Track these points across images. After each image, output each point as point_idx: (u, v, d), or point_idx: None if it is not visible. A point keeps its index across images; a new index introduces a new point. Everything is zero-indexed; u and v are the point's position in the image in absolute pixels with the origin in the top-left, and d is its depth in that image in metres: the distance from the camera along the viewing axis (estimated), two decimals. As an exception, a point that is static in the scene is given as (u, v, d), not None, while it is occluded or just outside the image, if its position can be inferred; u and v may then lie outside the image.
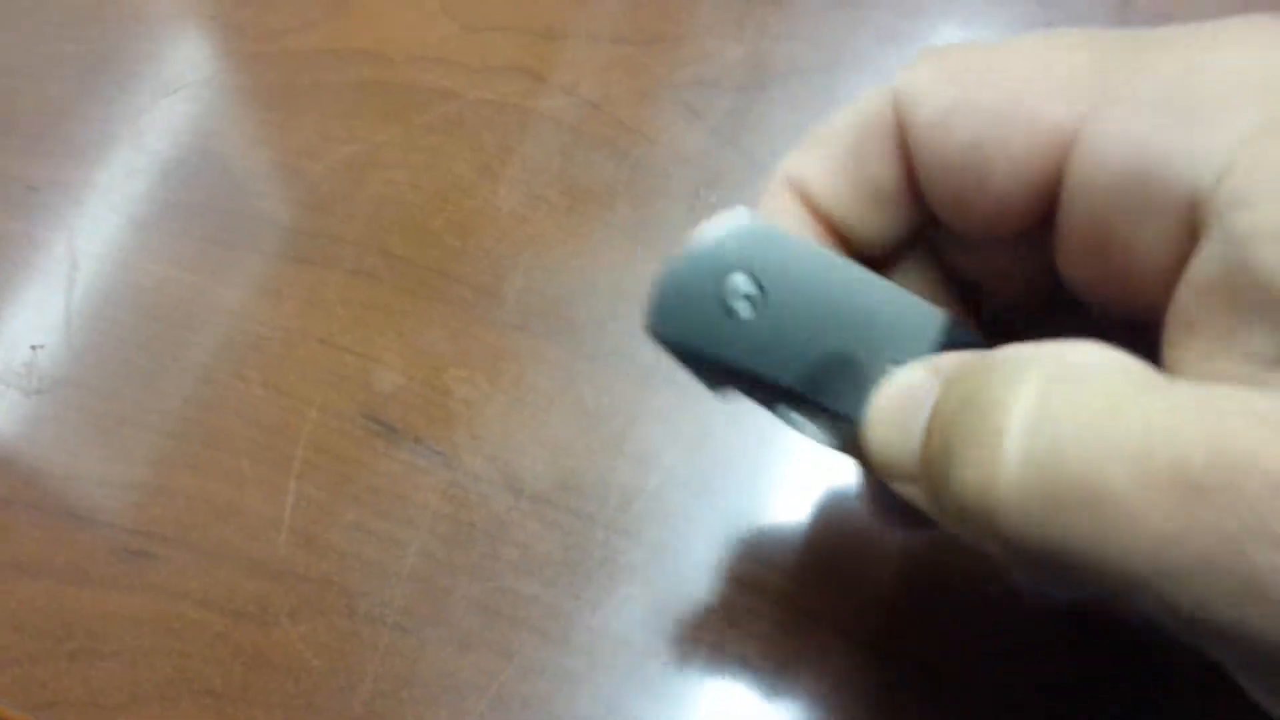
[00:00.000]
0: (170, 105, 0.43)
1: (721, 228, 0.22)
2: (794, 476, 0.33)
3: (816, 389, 0.22)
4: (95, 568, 0.34)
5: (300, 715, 0.31)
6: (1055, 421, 0.16)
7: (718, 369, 0.23)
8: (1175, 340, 0.18)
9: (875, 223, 0.23)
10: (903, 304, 0.22)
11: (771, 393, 0.23)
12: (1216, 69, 0.18)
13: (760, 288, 0.22)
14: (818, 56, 0.41)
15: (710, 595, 0.32)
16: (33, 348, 0.39)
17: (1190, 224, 0.18)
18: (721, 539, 0.33)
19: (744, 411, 0.34)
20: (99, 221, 0.41)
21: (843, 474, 0.33)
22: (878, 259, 0.24)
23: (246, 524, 0.34)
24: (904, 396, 0.20)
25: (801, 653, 0.31)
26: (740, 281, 0.22)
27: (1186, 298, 0.18)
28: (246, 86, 0.44)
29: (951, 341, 0.22)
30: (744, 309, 0.22)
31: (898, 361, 0.22)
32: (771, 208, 0.24)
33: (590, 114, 0.41)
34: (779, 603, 0.31)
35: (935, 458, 0.18)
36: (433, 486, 0.34)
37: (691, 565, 0.32)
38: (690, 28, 0.42)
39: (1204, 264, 0.17)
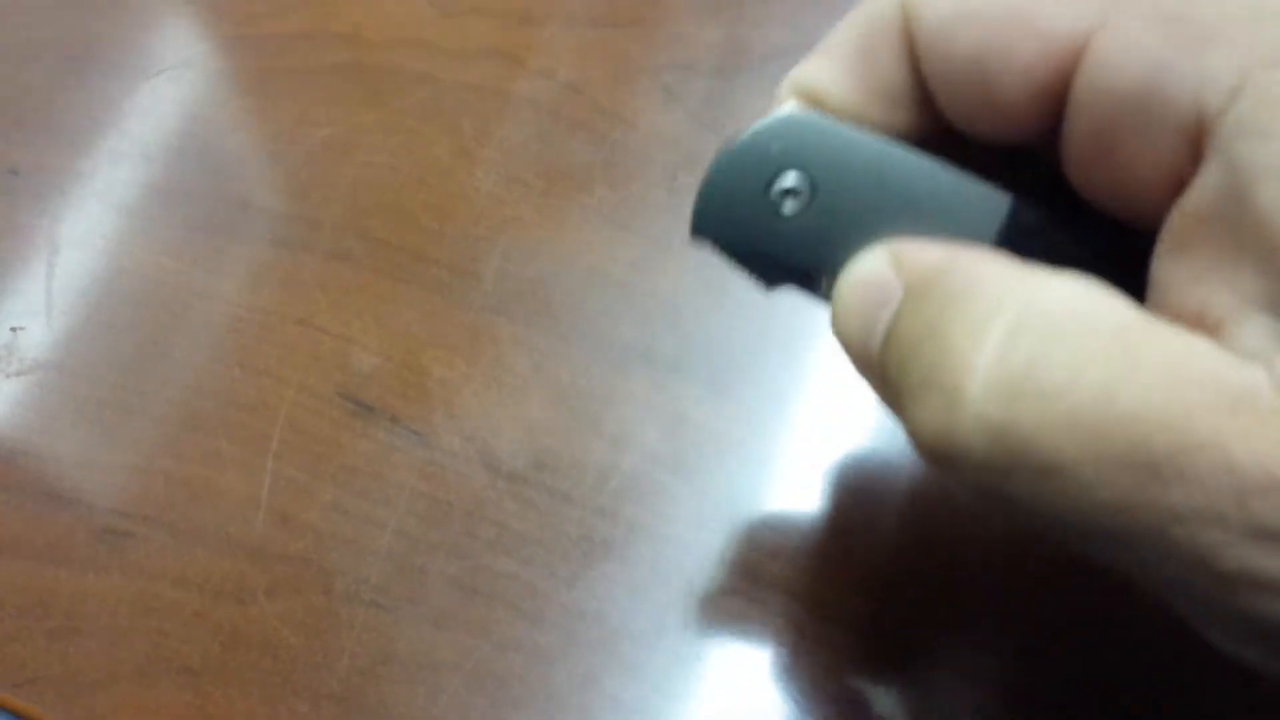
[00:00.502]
0: (150, 90, 0.43)
1: (766, 122, 0.21)
2: (772, 456, 0.33)
3: None
4: (74, 548, 0.35)
5: (277, 693, 0.32)
6: (1014, 386, 0.16)
7: (768, 265, 0.22)
8: (1165, 258, 0.18)
9: (887, 124, 0.22)
10: (963, 188, 0.21)
11: (826, 286, 0.22)
12: None
13: (810, 181, 0.21)
14: (794, 40, 0.41)
15: (686, 573, 0.32)
16: (13, 330, 0.39)
17: (1194, 144, 0.17)
18: (697, 517, 0.33)
19: (720, 392, 0.34)
20: (79, 205, 0.41)
21: (819, 452, 0.33)
22: None
23: (224, 504, 0.35)
24: (866, 287, 0.20)
25: (777, 630, 0.31)
26: (789, 176, 0.21)
27: (1182, 220, 0.17)
28: (226, 71, 0.44)
29: (1018, 226, 0.21)
30: (792, 204, 0.21)
31: None
32: None
33: (568, 97, 0.41)
34: (754, 580, 0.32)
35: (893, 378, 0.18)
36: (410, 466, 0.34)
37: (667, 543, 0.33)
38: (668, 11, 0.42)
39: (1203, 190, 0.17)
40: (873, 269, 0.20)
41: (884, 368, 0.19)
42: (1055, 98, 0.19)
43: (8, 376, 0.38)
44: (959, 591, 0.31)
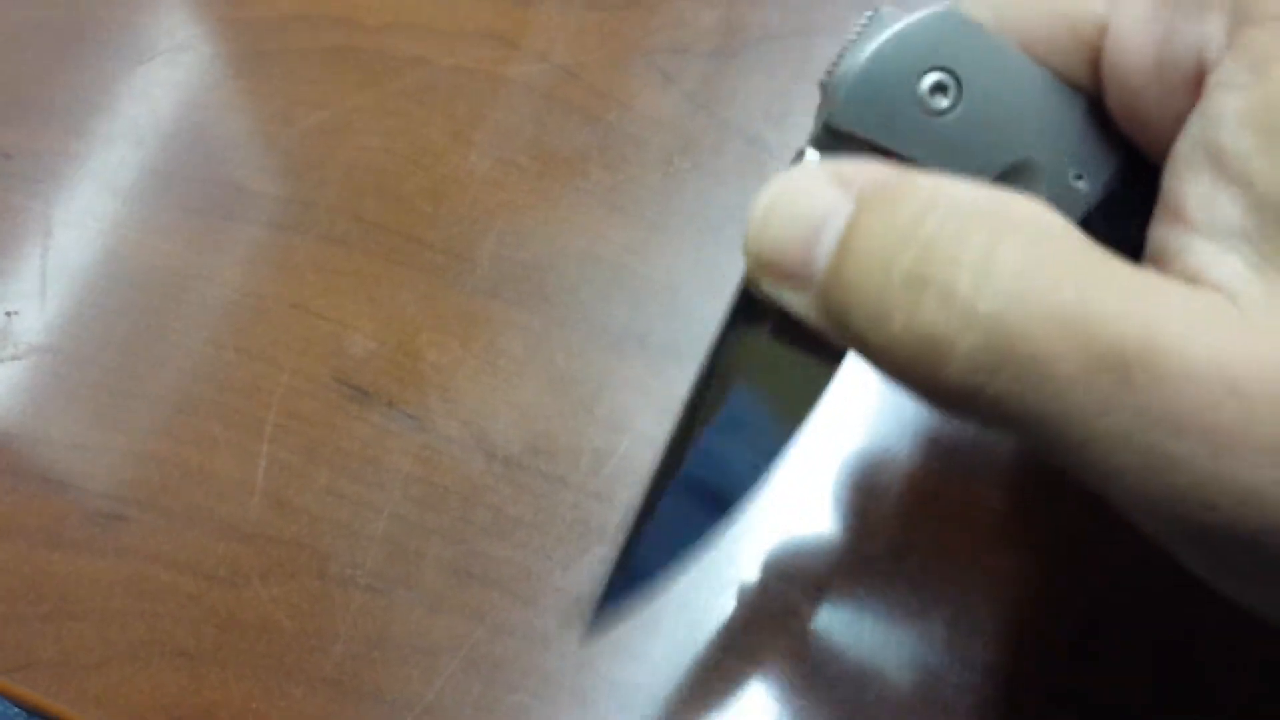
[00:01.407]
0: (145, 72, 0.43)
1: (920, 16, 0.21)
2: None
3: None
4: (68, 531, 0.35)
5: (272, 676, 0.32)
6: (1006, 282, 0.17)
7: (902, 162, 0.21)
8: (1170, 188, 0.19)
9: None
10: (1095, 121, 0.21)
11: None
12: None
13: (958, 83, 0.21)
14: (790, 22, 0.41)
15: (680, 556, 0.32)
16: (7, 314, 0.39)
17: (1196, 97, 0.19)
18: (691, 501, 0.33)
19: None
20: (74, 188, 0.41)
21: (814, 436, 0.33)
22: None
23: (219, 487, 0.35)
24: (806, 197, 0.20)
25: (773, 613, 0.31)
26: (938, 76, 0.21)
27: (1180, 153, 0.19)
28: (220, 53, 0.44)
29: (1134, 170, 0.21)
30: (940, 104, 0.21)
31: (1080, 178, 0.21)
32: None
33: (563, 80, 0.41)
34: (749, 563, 0.32)
35: (854, 290, 0.19)
36: (405, 450, 0.34)
37: (661, 527, 0.33)
38: (664, -7, 0.42)
39: (1190, 128, 0.18)
40: (810, 183, 0.20)
41: (835, 275, 0.19)
42: (1090, 67, 0.21)
43: (1, 360, 0.38)
44: (959, 574, 0.31)
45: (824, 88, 0.22)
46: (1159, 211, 0.19)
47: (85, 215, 0.40)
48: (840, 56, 0.22)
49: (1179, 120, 0.19)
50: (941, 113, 0.21)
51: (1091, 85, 0.21)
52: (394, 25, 0.43)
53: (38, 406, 0.37)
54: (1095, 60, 0.21)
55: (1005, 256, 0.17)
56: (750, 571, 0.32)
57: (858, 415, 0.33)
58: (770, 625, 0.31)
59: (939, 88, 0.21)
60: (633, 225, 0.37)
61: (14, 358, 0.38)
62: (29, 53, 0.45)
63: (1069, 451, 0.17)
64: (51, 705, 0.32)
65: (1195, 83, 0.19)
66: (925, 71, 0.21)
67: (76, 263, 0.40)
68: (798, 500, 0.32)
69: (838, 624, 0.31)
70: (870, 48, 0.21)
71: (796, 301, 0.20)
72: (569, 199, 0.38)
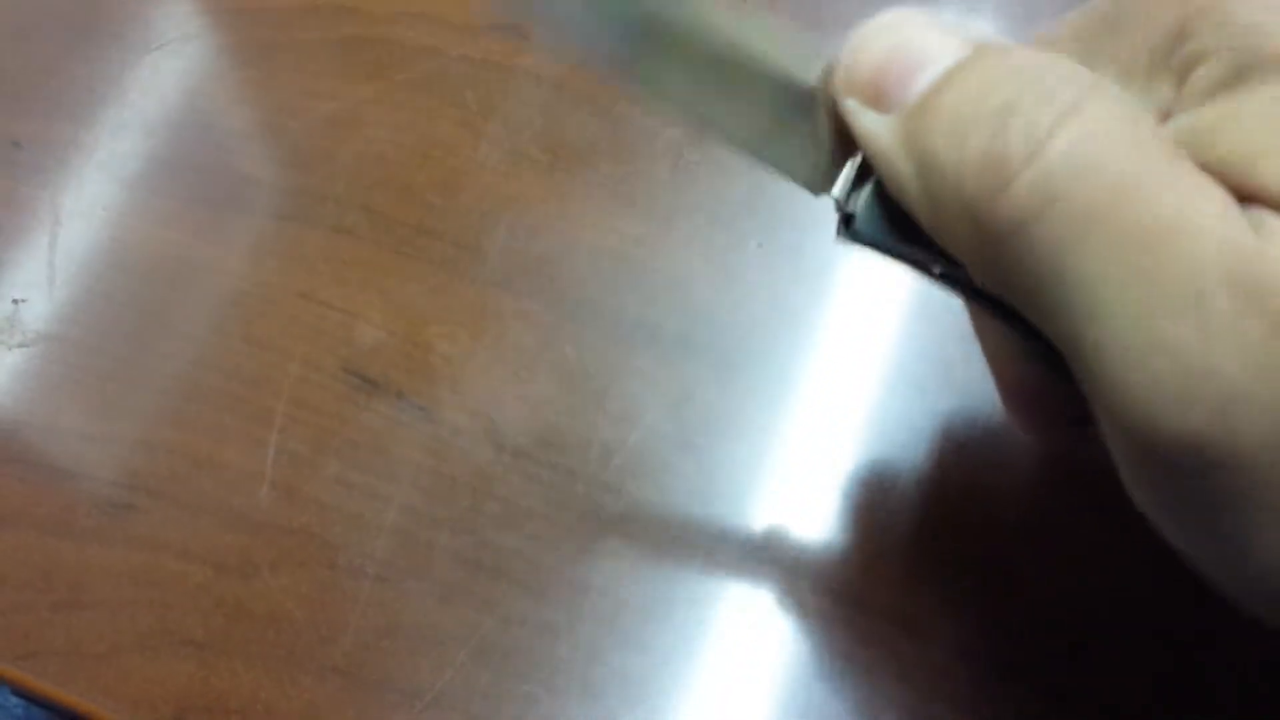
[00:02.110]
0: (154, 62, 0.43)
1: None
2: (777, 434, 0.33)
3: None
4: (77, 520, 0.35)
5: (281, 666, 0.32)
6: (1081, 129, 0.18)
7: (930, 260, 0.22)
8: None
9: None
10: None
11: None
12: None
13: None
14: (800, 17, 0.41)
15: (690, 550, 0.32)
16: (15, 301, 0.39)
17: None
18: (701, 495, 0.33)
19: (726, 370, 0.34)
20: (82, 178, 0.41)
21: (824, 430, 0.33)
22: None
23: (228, 477, 0.35)
24: (923, 29, 0.21)
25: (782, 606, 0.31)
26: None
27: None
28: (229, 43, 0.43)
29: None
30: None
31: None
32: None
33: (572, 72, 0.41)
34: (758, 558, 0.32)
35: (953, 118, 0.19)
36: (414, 440, 0.34)
37: (671, 520, 0.33)
38: (674, -14, 0.42)
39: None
40: (927, 23, 0.21)
41: (927, 103, 0.20)
42: None
43: (10, 349, 0.38)
44: (962, 564, 0.31)
45: (836, 204, 0.23)
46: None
47: (94, 205, 0.40)
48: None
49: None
50: None
51: None
52: (403, 16, 0.43)
53: (46, 395, 0.37)
54: None
55: (1092, 110, 0.18)
56: (760, 568, 0.32)
57: (871, 416, 0.33)
58: (779, 622, 0.31)
59: None
60: (643, 218, 0.37)
61: (22, 346, 0.38)
62: (38, 43, 0.44)
63: (1073, 315, 0.18)
64: (60, 694, 0.32)
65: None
66: None
67: (85, 252, 0.40)
68: (808, 498, 0.32)
69: (849, 618, 0.31)
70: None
71: (872, 123, 0.21)
72: (579, 191, 0.38)
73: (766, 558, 0.32)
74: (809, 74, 0.22)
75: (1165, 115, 0.20)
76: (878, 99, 0.20)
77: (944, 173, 0.19)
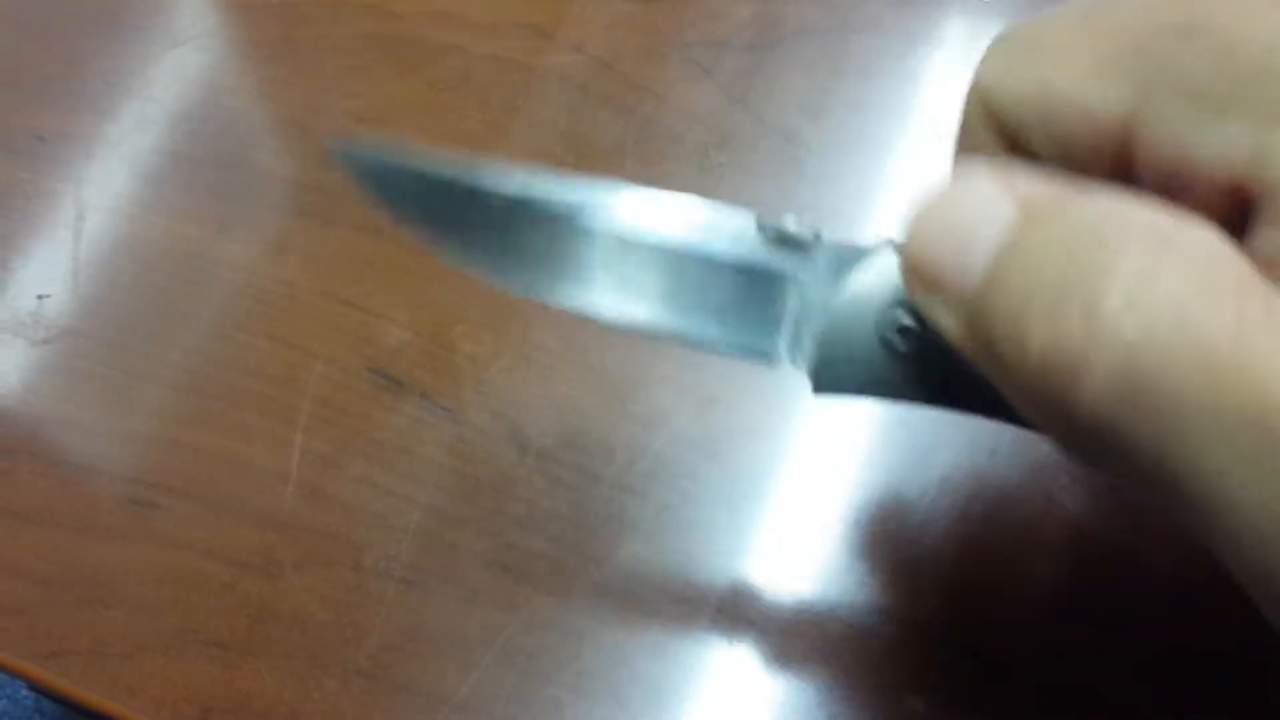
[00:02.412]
0: (178, 57, 0.43)
1: (862, 266, 0.21)
2: (800, 441, 0.33)
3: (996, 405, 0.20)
4: (101, 518, 0.34)
5: (305, 666, 0.32)
6: (1159, 307, 0.16)
7: (902, 398, 0.22)
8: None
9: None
10: None
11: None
12: (1246, 50, 0.18)
13: (916, 313, 0.21)
14: (828, 17, 0.41)
15: (714, 554, 0.32)
16: (39, 297, 0.39)
17: (1236, 199, 0.18)
18: (726, 500, 0.33)
19: (751, 375, 0.34)
20: (106, 173, 0.41)
21: (850, 440, 0.33)
22: None
23: (253, 476, 0.34)
24: (970, 206, 0.19)
25: (804, 615, 0.31)
26: (897, 314, 0.21)
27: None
28: (253, 40, 0.43)
29: None
30: (905, 341, 0.21)
31: None
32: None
33: (598, 71, 0.40)
34: (781, 563, 0.32)
35: (1004, 303, 0.18)
36: (439, 441, 0.34)
37: (696, 525, 0.32)
38: (700, -14, 0.42)
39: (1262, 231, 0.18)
40: (977, 187, 0.19)
41: (990, 290, 0.18)
42: (1126, 162, 0.20)
43: (33, 344, 0.38)
44: (981, 573, 0.31)
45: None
46: None
47: (117, 199, 0.40)
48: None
49: (1219, 217, 0.18)
50: (911, 348, 0.21)
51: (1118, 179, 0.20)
52: (428, 14, 0.42)
53: (70, 391, 0.37)
54: (1126, 151, 0.20)
55: (1164, 280, 0.16)
56: (784, 575, 0.31)
57: (895, 423, 0.33)
58: (803, 629, 0.31)
59: (902, 328, 0.21)
60: (668, 219, 0.37)
61: (45, 341, 0.38)
62: (62, 37, 0.44)
63: (1196, 508, 0.16)
64: (84, 694, 0.32)
65: (1226, 190, 0.18)
66: (882, 317, 0.21)
67: (108, 247, 0.40)
68: (833, 506, 0.32)
69: (873, 628, 0.31)
70: (824, 318, 0.22)
71: (945, 318, 0.19)
72: (604, 192, 0.38)
73: (790, 565, 0.32)
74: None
75: None
76: (941, 288, 0.19)
77: (1013, 371, 0.17)
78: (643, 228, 0.23)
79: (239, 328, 0.37)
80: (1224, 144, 0.18)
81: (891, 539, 0.32)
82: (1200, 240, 0.16)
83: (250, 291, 0.38)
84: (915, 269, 0.20)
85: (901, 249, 0.20)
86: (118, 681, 0.32)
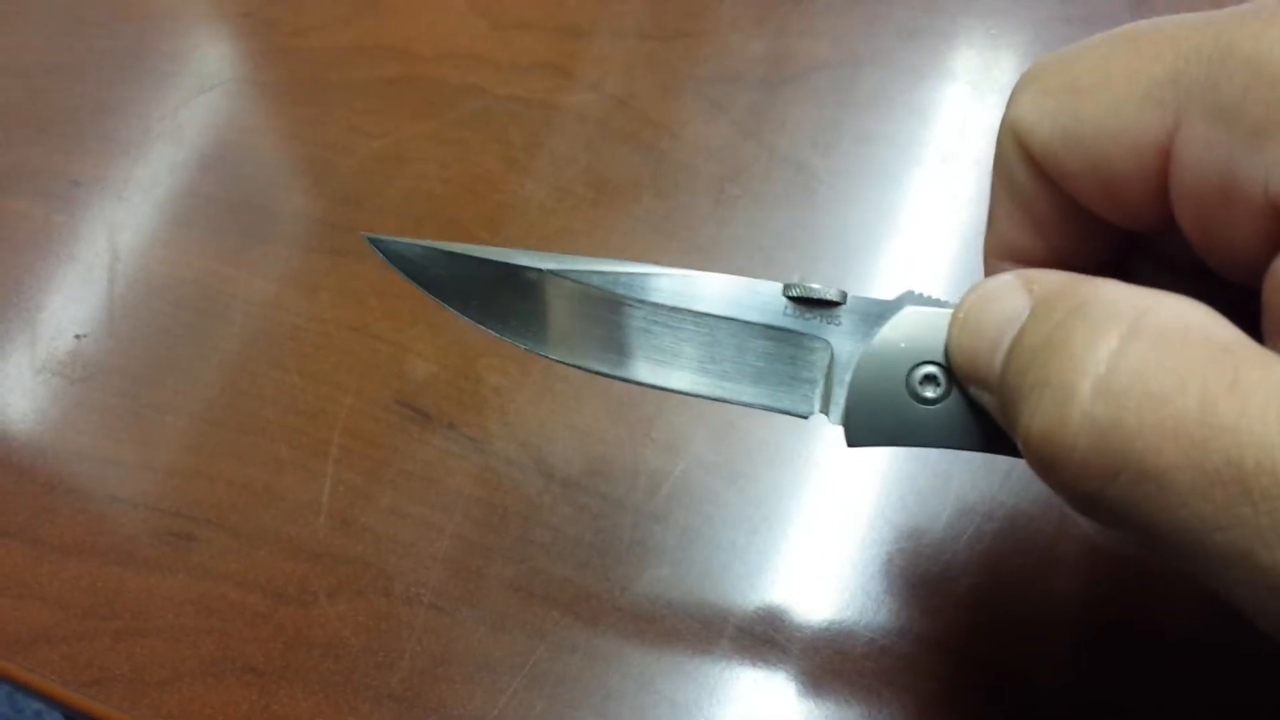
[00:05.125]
0: (207, 101, 0.44)
1: (891, 321, 0.23)
2: (821, 465, 0.34)
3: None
4: (138, 549, 0.35)
5: (340, 692, 0.32)
6: (1123, 388, 0.17)
7: (934, 445, 0.23)
8: (1269, 331, 0.19)
9: (1062, 245, 0.24)
10: None
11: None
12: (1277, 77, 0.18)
13: (946, 368, 0.22)
14: (838, 52, 0.42)
15: (736, 577, 0.33)
16: (76, 336, 0.40)
17: (1276, 220, 0.19)
18: (747, 523, 0.33)
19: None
20: (139, 215, 0.42)
21: (867, 463, 0.34)
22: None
23: (285, 507, 0.35)
24: (994, 305, 0.21)
25: (825, 635, 0.32)
26: (924, 367, 0.23)
27: (1272, 298, 0.19)
28: (280, 82, 0.45)
29: None
30: (933, 390, 0.22)
31: None
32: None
33: (615, 109, 0.42)
34: (802, 585, 0.32)
35: (1010, 384, 0.19)
36: (466, 471, 0.35)
37: (719, 549, 0.33)
38: (713, 24, 0.43)
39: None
40: (1000, 286, 0.21)
41: (1003, 376, 0.20)
42: (1162, 191, 0.21)
43: (72, 382, 0.39)
44: (998, 592, 0.31)
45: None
46: (1268, 328, 0.19)
47: (151, 241, 0.42)
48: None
49: (1246, 248, 0.19)
50: (939, 396, 0.23)
51: (1156, 211, 0.21)
52: (450, 56, 0.44)
53: (107, 427, 0.38)
54: (1161, 180, 0.21)
55: (1129, 360, 0.17)
56: (807, 596, 0.32)
57: (918, 459, 0.34)
58: (828, 649, 0.31)
59: (927, 377, 0.23)
60: (685, 251, 0.38)
61: (83, 379, 0.39)
62: (95, 83, 0.46)
63: (1189, 561, 0.17)
64: (124, 720, 0.33)
65: (1263, 210, 0.19)
66: (910, 369, 0.23)
67: (142, 287, 0.41)
68: (854, 526, 0.33)
69: (898, 649, 0.31)
70: (853, 371, 0.23)
71: (983, 398, 0.21)
72: (623, 225, 0.39)
73: (810, 586, 0.32)
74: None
75: None
76: (980, 382, 0.21)
77: (1024, 454, 0.19)
78: (677, 302, 0.24)
79: (271, 363, 0.38)
80: (1261, 166, 0.18)
81: (909, 559, 0.32)
82: (1172, 312, 0.17)
83: (281, 328, 0.39)
84: (957, 367, 0.22)
85: (948, 346, 0.22)
86: (158, 708, 0.33)
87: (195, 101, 0.44)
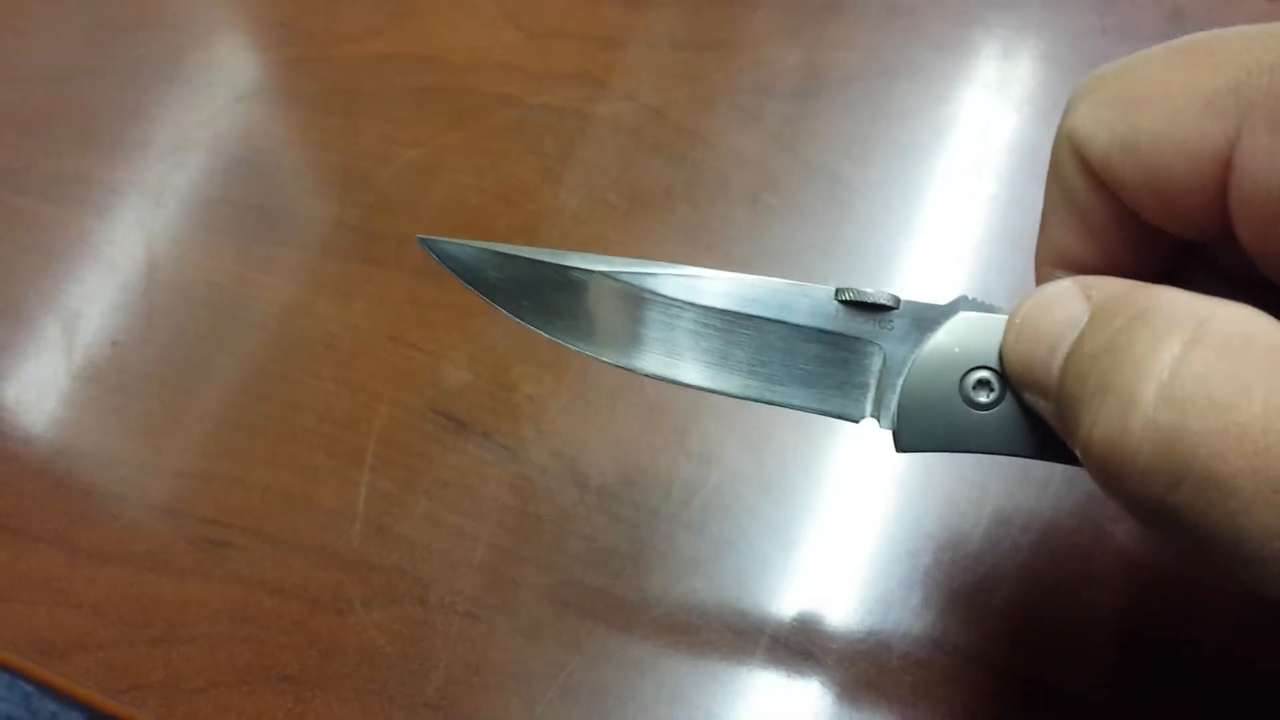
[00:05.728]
0: (243, 110, 0.45)
1: (945, 326, 0.23)
2: (853, 474, 0.34)
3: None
4: (174, 557, 0.36)
5: (375, 701, 0.33)
6: (1187, 395, 0.17)
7: (985, 451, 0.23)
8: None
9: (1123, 254, 0.23)
10: None
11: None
12: None
13: (1000, 374, 0.22)
14: (871, 64, 0.42)
15: (770, 588, 0.33)
16: (113, 343, 0.40)
17: None
18: (782, 533, 0.33)
19: (804, 414, 0.35)
20: (176, 222, 0.43)
21: (902, 474, 0.34)
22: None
23: (321, 515, 0.35)
24: (1052, 311, 0.21)
25: (860, 646, 0.31)
26: (977, 372, 0.22)
27: None
28: (315, 91, 0.45)
29: None
30: (986, 395, 0.22)
31: None
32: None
33: (649, 119, 0.42)
34: (836, 596, 0.32)
35: (1069, 391, 0.19)
36: (500, 480, 0.35)
37: (753, 559, 0.33)
38: (747, 35, 0.43)
39: None
40: (1058, 292, 0.21)
41: (1061, 383, 0.20)
42: (1221, 201, 0.21)
43: (108, 389, 0.39)
44: (1034, 603, 0.31)
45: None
46: None
47: (186, 248, 0.42)
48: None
49: None
50: (991, 402, 0.23)
51: (1216, 215, 0.21)
52: (484, 66, 0.44)
53: (143, 434, 0.38)
54: (1220, 191, 0.21)
55: (1193, 366, 0.17)
56: (842, 608, 0.32)
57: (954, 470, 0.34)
58: (858, 662, 0.31)
59: (980, 382, 0.23)
60: (720, 261, 0.38)
61: (119, 386, 0.39)
62: (130, 90, 0.46)
63: (1249, 570, 0.17)
64: (161, 726, 0.33)
65: None
66: (963, 374, 0.23)
67: (178, 294, 0.41)
68: (888, 539, 0.33)
69: (933, 661, 0.31)
70: (905, 374, 0.23)
71: (1040, 405, 0.21)
72: (657, 235, 0.39)
73: (845, 597, 0.32)
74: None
75: None
76: (1038, 389, 0.21)
77: (1084, 462, 0.19)
78: (728, 304, 0.24)
79: (306, 371, 0.38)
80: None
81: (945, 570, 0.32)
82: (1234, 319, 0.17)
83: (317, 336, 0.39)
84: (1014, 375, 0.22)
85: (1004, 351, 0.22)
86: (193, 716, 0.33)
87: (231, 110, 0.45)
